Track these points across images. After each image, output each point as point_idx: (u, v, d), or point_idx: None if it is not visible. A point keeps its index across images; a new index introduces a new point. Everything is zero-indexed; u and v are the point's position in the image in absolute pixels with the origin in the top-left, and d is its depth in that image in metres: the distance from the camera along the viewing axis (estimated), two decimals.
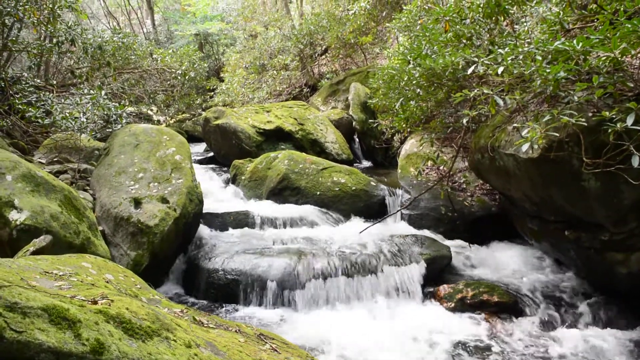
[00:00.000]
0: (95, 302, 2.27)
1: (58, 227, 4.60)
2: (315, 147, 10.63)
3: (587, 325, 5.09)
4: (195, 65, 13.81)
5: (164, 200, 5.90)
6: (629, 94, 3.94)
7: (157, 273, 5.74)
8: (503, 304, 5.37)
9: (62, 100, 8.66)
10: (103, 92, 8.06)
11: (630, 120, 3.50)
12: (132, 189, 5.98)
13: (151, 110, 15.42)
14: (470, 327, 5.09)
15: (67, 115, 7.50)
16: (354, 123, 11.71)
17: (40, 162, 7.38)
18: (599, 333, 4.92)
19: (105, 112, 7.94)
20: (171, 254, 6.00)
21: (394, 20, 9.66)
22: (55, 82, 10.46)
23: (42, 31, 9.33)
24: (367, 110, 11.35)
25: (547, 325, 5.15)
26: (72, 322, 1.94)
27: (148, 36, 24.76)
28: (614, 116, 3.64)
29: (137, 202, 5.80)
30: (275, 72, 16.75)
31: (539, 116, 4.22)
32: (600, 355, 4.58)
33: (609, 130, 3.65)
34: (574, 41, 3.79)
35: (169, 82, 13.92)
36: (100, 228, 5.54)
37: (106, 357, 1.91)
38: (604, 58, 3.80)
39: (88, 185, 6.60)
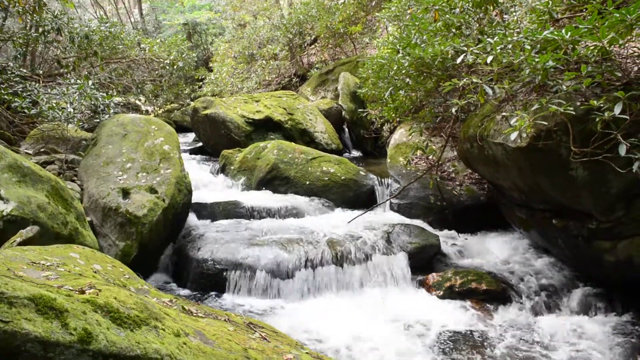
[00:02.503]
0: (82, 292, 2.25)
1: (45, 217, 4.55)
2: (304, 136, 10.61)
3: (574, 313, 5.14)
4: (183, 55, 13.71)
5: (152, 190, 5.87)
6: (616, 83, 3.96)
7: (146, 263, 5.71)
8: (491, 292, 5.41)
9: (49, 90, 8.58)
10: (90, 82, 7.98)
11: (617, 109, 3.53)
12: (120, 179, 5.94)
13: (139, 100, 15.30)
14: (459, 315, 5.13)
15: (54, 105, 7.42)
16: (343, 113, 11.70)
17: (27, 152, 7.31)
18: (586, 320, 4.97)
19: (93, 102, 7.86)
20: (160, 244, 5.98)
21: (383, 10, 9.63)
22: (41, 71, 10.34)
23: (28, 20, 9.22)
24: (356, 100, 11.33)
25: (535, 313, 5.20)
26: (59, 312, 1.93)
27: (135, 26, 24.53)
28: (601, 105, 3.66)
29: (126, 193, 5.76)
30: (264, 61, 16.68)
31: (527, 105, 4.23)
32: (588, 342, 4.63)
33: (597, 119, 3.67)
34: (563, 31, 3.80)
35: (157, 72, 13.83)
36: (88, 219, 5.51)
37: (94, 347, 1.90)
38: (593, 47, 3.81)
39: (75, 176, 6.55)
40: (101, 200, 5.69)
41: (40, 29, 8.68)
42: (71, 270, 2.88)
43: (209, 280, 5.63)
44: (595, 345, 4.56)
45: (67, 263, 3.06)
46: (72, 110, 7.34)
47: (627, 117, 3.56)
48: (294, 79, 16.49)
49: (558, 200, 4.95)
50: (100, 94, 8.07)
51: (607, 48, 3.73)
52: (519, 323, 5.02)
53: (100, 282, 2.68)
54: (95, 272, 3.13)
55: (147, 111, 15.55)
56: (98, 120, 7.97)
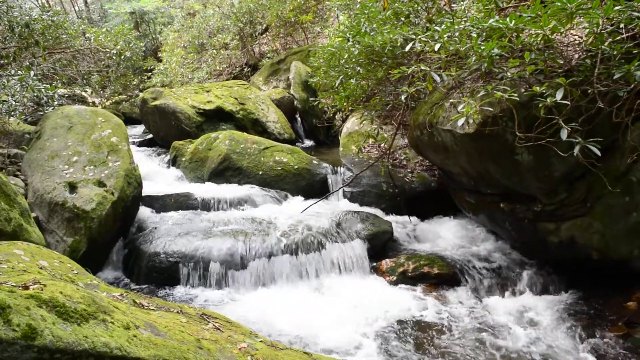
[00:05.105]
0: (27, 288, 2.19)
1: None
2: (256, 126, 10.53)
3: (521, 293, 5.31)
4: (131, 45, 13.31)
5: (100, 183, 5.73)
6: (558, 70, 4.08)
7: (96, 259, 5.59)
8: (443, 276, 5.53)
9: None
10: (32, 73, 7.67)
11: (559, 95, 3.64)
12: (66, 173, 5.77)
13: (85, 91, 14.84)
14: (412, 299, 5.22)
15: None
16: (295, 102, 11.66)
17: None
18: (532, 299, 5.15)
19: (35, 94, 7.56)
20: (110, 239, 5.85)
21: None
22: None
23: None
24: (308, 89, 11.31)
25: (485, 294, 5.34)
26: (1, 308, 1.87)
27: (80, 14, 23.77)
28: (544, 91, 3.76)
29: (73, 187, 5.60)
30: (215, 51, 16.43)
31: (474, 92, 4.32)
32: (537, 321, 4.79)
33: (540, 105, 3.78)
34: (508, 19, 3.88)
35: (103, 63, 13.40)
36: (33, 214, 5.33)
37: (39, 342, 1.85)
38: (536, 35, 3.91)
39: (19, 171, 6.32)
40: (47, 195, 5.51)
41: None
42: (15, 267, 2.79)
43: (161, 274, 5.55)
44: (543, 324, 4.72)
45: (11, 260, 2.96)
46: (13, 102, 7.04)
47: (568, 103, 3.68)
48: (245, 69, 16.30)
49: (505, 185, 5.09)
50: (44, 85, 7.76)
51: (550, 36, 3.83)
52: (470, 305, 5.15)
53: (46, 277, 2.61)
54: (41, 269, 3.04)
55: (94, 103, 15.09)
56: (42, 112, 7.69)
